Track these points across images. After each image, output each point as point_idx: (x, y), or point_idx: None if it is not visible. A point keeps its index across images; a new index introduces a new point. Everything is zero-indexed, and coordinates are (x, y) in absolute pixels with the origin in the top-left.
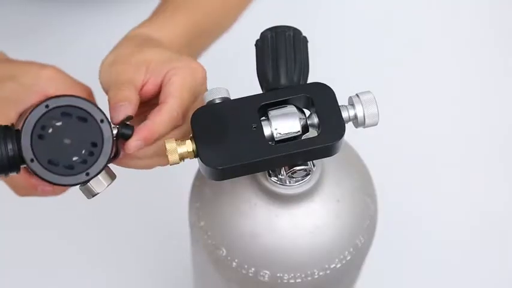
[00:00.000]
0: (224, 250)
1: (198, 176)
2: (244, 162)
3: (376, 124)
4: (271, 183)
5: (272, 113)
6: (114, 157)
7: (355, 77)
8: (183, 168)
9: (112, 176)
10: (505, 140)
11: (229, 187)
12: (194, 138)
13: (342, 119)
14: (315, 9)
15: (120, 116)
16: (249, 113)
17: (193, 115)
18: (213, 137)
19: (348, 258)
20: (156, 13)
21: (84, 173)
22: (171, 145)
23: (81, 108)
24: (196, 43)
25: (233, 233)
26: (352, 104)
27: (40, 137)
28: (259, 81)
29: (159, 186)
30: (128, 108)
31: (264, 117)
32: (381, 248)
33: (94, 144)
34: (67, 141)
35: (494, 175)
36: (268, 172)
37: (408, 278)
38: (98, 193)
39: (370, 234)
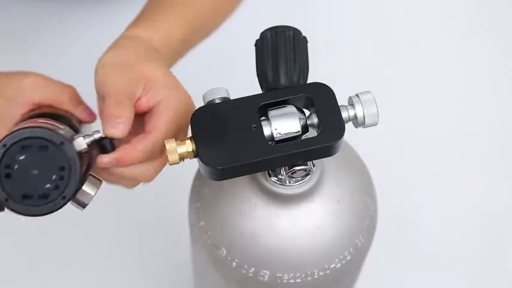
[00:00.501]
0: (224, 250)
1: (198, 176)
2: (244, 162)
3: (376, 124)
4: (271, 183)
5: (272, 113)
6: (87, 170)
7: (355, 77)
8: (183, 168)
9: (97, 184)
10: (505, 140)
11: (229, 187)
12: (194, 138)
13: (342, 119)
14: (314, 9)
15: (117, 133)
16: (248, 113)
17: (193, 115)
18: (213, 137)
19: (348, 258)
20: (152, 12)
21: (60, 198)
22: (170, 145)
23: (39, 138)
24: (189, 41)
25: (233, 233)
26: (352, 104)
27: (7, 175)
28: (259, 81)
29: (159, 186)
30: (126, 127)
31: (263, 117)
32: (381, 248)
33: (61, 168)
34: (35, 171)
35: (494, 175)
36: (268, 172)
37: (408, 278)
38: (89, 203)
39: (370, 234)
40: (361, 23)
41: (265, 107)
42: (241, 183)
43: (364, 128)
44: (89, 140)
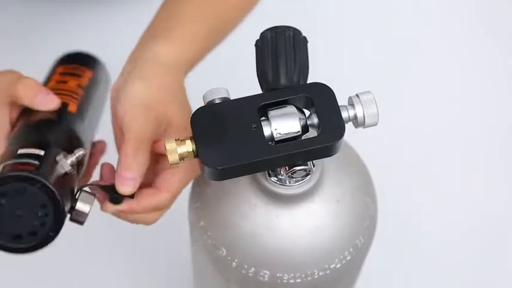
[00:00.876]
0: (224, 250)
1: (198, 176)
2: (244, 163)
3: (376, 124)
4: (271, 183)
5: (272, 113)
6: (76, 188)
7: (355, 77)
8: None
9: (89, 200)
10: (505, 139)
11: (229, 187)
12: (194, 138)
13: (342, 119)
14: (314, 9)
15: (127, 191)
16: (249, 113)
17: (193, 115)
18: (213, 137)
19: (348, 258)
20: (174, 24)
21: (48, 233)
22: (170, 145)
23: (14, 180)
24: (212, 41)
25: (233, 233)
26: (352, 104)
27: None
28: (259, 81)
29: None
30: (135, 185)
31: (263, 117)
32: (381, 248)
33: (43, 206)
34: (19, 212)
35: (494, 175)
36: (268, 172)
37: (408, 278)
38: (85, 220)
39: (370, 234)
40: (361, 23)
41: (265, 107)
42: (241, 183)
43: (364, 128)
44: (71, 159)
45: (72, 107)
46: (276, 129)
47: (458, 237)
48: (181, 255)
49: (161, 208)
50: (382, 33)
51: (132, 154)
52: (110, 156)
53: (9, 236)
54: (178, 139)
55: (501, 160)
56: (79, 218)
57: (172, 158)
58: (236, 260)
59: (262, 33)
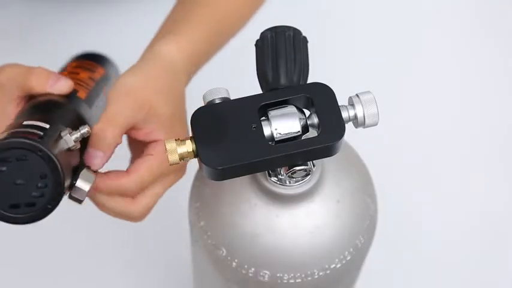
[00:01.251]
0: (224, 250)
1: (198, 176)
2: (244, 163)
3: (376, 124)
4: (271, 183)
5: (272, 113)
6: (79, 165)
7: (355, 77)
8: None
9: (90, 178)
10: (505, 140)
11: (229, 187)
12: (194, 138)
13: (342, 119)
14: (314, 9)
15: (94, 166)
16: (249, 113)
17: (193, 115)
18: (213, 137)
19: (348, 258)
20: (180, 22)
21: (47, 205)
22: (171, 145)
23: (16, 148)
24: (215, 45)
25: (233, 233)
26: (352, 104)
27: None
28: (259, 82)
29: None
30: (101, 163)
31: (264, 117)
32: (381, 248)
33: (44, 176)
34: (19, 181)
35: (494, 175)
36: (268, 172)
37: (408, 278)
38: (84, 199)
39: (370, 234)
40: (361, 23)
41: (265, 107)
42: (241, 183)
43: (364, 128)
44: (76, 136)
45: (81, 94)
46: (276, 129)
47: (458, 237)
48: (181, 255)
49: (127, 194)
50: (383, 33)
51: (99, 132)
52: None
53: (7, 204)
54: (178, 139)
55: (501, 160)
56: (78, 196)
57: (172, 158)
58: (236, 260)
59: (262, 33)
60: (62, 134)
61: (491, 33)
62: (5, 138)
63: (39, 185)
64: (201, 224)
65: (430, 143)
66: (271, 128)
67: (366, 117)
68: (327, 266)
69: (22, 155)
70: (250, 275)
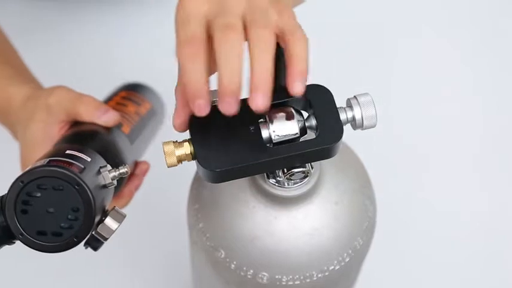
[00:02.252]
0: (223, 252)
1: (197, 178)
2: (242, 165)
3: (374, 126)
4: (270, 185)
5: (270, 115)
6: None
7: (353, 78)
8: (181, 170)
9: (119, 218)
10: (505, 140)
11: (228, 189)
12: (192, 141)
13: (340, 121)
14: (314, 10)
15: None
16: (247, 115)
17: (191, 117)
18: (211, 140)
19: (347, 260)
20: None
21: (73, 238)
22: (168, 147)
23: (55, 177)
24: None
25: (232, 235)
26: (350, 106)
27: (24, 211)
28: None
29: (158, 188)
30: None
31: (262, 119)
32: (379, 250)
33: (76, 209)
34: (50, 209)
35: (494, 175)
36: (267, 174)
37: (407, 279)
38: (109, 237)
39: (368, 236)
40: (360, 25)
41: None
42: (240, 185)
43: (362, 130)
44: (114, 174)
45: (125, 129)
46: (274, 131)
47: (457, 239)
48: (180, 257)
49: None
50: (381, 34)
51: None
52: None
53: (34, 230)
54: (176, 141)
55: (501, 160)
56: (104, 233)
57: (170, 160)
58: (235, 262)
59: None
60: (102, 170)
61: (492, 33)
62: (46, 165)
63: (70, 216)
64: (200, 225)
65: (429, 145)
66: (269, 130)
67: (364, 119)
68: (325, 268)
69: (59, 184)
70: (249, 277)
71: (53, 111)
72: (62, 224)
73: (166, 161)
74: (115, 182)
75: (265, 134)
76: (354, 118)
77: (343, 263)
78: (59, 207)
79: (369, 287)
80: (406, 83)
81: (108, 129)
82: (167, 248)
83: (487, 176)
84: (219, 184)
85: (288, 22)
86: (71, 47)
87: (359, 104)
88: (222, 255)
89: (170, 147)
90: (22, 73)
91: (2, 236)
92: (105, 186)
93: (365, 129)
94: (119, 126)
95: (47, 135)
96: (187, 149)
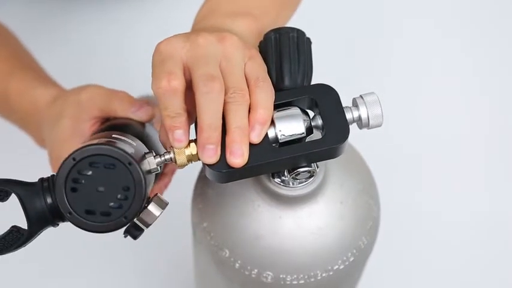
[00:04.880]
0: (227, 251)
1: (201, 177)
2: (248, 165)
3: (380, 125)
4: (275, 184)
5: (276, 114)
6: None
7: (359, 78)
8: (186, 169)
9: (162, 205)
10: (506, 140)
11: (233, 188)
12: None
13: (346, 120)
14: (319, 10)
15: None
16: None
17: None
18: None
19: (351, 259)
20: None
21: (122, 217)
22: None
23: (107, 155)
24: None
25: (236, 234)
26: (356, 105)
27: (73, 189)
28: None
29: None
30: None
31: None
32: (383, 249)
33: (127, 188)
34: (100, 188)
35: (495, 175)
36: (272, 173)
37: (411, 279)
38: (152, 223)
39: (373, 235)
40: (365, 24)
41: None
42: (245, 185)
43: (368, 129)
44: (159, 160)
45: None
46: (280, 131)
47: (461, 239)
48: (184, 256)
49: None
50: (387, 34)
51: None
52: None
53: (83, 209)
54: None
55: (501, 160)
56: (147, 219)
57: (180, 159)
58: (239, 261)
59: (266, 35)
60: (147, 155)
61: (492, 33)
62: (99, 144)
63: (119, 196)
64: (204, 225)
65: (433, 145)
66: (276, 129)
67: (370, 119)
68: (330, 267)
69: (111, 163)
70: (253, 276)
71: (84, 108)
72: (111, 204)
73: (176, 161)
74: (159, 168)
75: (271, 133)
76: (360, 117)
77: (347, 263)
78: (109, 186)
79: (373, 286)
80: (413, 82)
81: (142, 124)
82: (170, 247)
83: (488, 176)
84: (224, 184)
85: (258, 69)
86: (71, 47)
87: (365, 103)
88: (227, 255)
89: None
90: (45, 77)
91: (48, 217)
92: (149, 172)
93: (371, 128)
94: (151, 122)
95: (77, 131)
96: (193, 149)
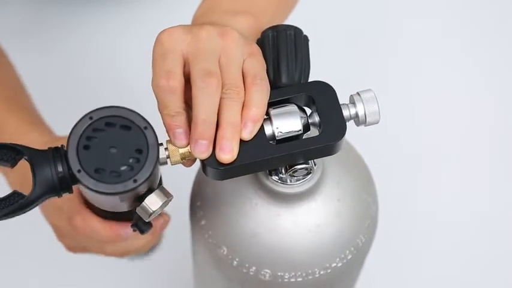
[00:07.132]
0: (225, 249)
1: (199, 175)
2: (245, 162)
3: (377, 122)
4: (272, 182)
5: (273, 111)
6: (160, 181)
7: (356, 75)
8: (186, 169)
9: (167, 195)
10: (506, 139)
11: (230, 186)
12: None
13: (343, 117)
14: (315, 8)
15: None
16: None
17: None
18: (214, 137)
19: (349, 257)
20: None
21: (132, 180)
22: (172, 145)
23: (124, 117)
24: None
25: (234, 232)
26: (353, 102)
27: (86, 147)
28: None
29: None
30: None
31: (265, 116)
32: (381, 247)
33: (139, 151)
34: (113, 149)
35: (495, 175)
36: (269, 171)
37: (409, 277)
38: (154, 212)
39: (371, 233)
40: (362, 21)
41: (267, 106)
42: (242, 182)
43: (365, 126)
44: (167, 153)
45: None
46: (277, 128)
47: (459, 237)
48: (182, 255)
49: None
50: (383, 31)
51: None
52: None
53: (93, 167)
54: None
55: (501, 160)
56: (150, 206)
57: (174, 158)
58: (237, 259)
59: (263, 32)
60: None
61: (492, 33)
62: (116, 106)
63: (131, 158)
64: (202, 223)
65: (431, 143)
66: (273, 126)
67: (367, 116)
68: (327, 265)
69: (127, 125)
70: (251, 273)
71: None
72: (122, 165)
73: (170, 160)
74: (165, 160)
75: (268, 130)
76: (357, 114)
77: (345, 260)
78: (122, 148)
79: (370, 285)
80: (410, 79)
81: None
82: (169, 245)
83: (487, 176)
84: (222, 181)
85: (257, 67)
86: (72, 47)
87: (362, 100)
88: (225, 252)
89: (173, 146)
90: (40, 120)
91: (56, 185)
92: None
93: (368, 125)
94: None
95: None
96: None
